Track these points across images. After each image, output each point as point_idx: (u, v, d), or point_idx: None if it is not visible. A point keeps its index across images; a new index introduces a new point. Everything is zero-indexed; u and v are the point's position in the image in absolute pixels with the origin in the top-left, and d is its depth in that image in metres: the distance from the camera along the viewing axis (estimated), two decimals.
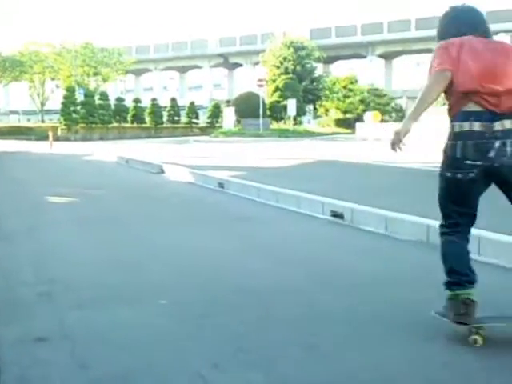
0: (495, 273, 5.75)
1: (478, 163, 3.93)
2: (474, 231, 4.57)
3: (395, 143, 4.13)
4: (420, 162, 16.18)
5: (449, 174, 4.07)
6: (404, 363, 3.61)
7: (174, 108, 68.66)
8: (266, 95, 63.09)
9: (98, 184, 14.25)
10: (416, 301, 4.84)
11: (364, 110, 61.37)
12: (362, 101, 69.74)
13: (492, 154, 3.90)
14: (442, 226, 4.42)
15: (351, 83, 71.55)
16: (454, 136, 3.99)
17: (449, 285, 4.19)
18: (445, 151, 4.07)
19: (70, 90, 57.05)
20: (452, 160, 4.03)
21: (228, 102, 69.90)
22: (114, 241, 7.49)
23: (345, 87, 71.20)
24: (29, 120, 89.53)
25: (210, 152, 26.40)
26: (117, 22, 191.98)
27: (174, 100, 70.10)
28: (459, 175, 4.02)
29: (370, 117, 48.16)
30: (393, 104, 76.67)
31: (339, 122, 67.21)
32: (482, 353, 3.75)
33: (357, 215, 8.32)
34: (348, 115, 68.04)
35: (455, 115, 4.02)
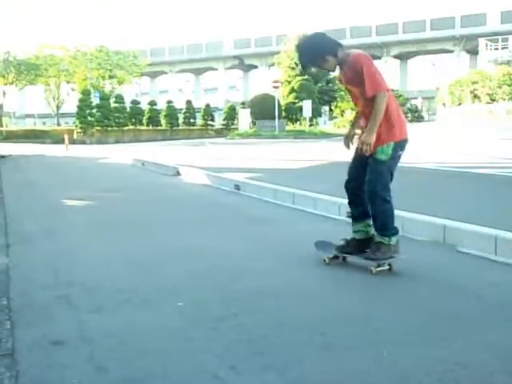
0: None
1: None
2: None
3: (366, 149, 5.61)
4: (434, 163, 16.17)
5: (400, 153, 5.77)
6: (419, 364, 3.60)
7: (190, 110, 68.87)
8: (282, 97, 63.11)
9: (114, 187, 14.29)
10: (431, 302, 4.84)
11: None
12: None
13: None
14: (388, 198, 5.77)
15: None
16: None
17: (391, 235, 5.77)
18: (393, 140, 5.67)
19: (86, 93, 57.30)
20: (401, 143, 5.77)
21: (243, 103, 69.91)
22: (131, 243, 7.51)
23: None
24: (44, 123, 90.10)
25: (226, 154, 26.43)
26: (131, 25, 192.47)
27: (189, 102, 70.31)
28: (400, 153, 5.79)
29: None
30: (408, 104, 76.65)
31: None
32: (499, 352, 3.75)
33: None
34: None
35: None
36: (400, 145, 5.75)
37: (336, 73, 5.81)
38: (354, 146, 6.11)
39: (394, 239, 5.78)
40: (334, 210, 9.10)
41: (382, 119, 5.52)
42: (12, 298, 5.08)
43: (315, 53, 5.64)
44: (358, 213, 6.11)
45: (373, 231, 5.97)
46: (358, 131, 6.09)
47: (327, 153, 23.98)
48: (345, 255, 6.14)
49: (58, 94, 78.30)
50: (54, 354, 3.84)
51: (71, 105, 67.94)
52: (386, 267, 5.77)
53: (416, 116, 75.70)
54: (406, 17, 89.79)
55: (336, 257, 6.16)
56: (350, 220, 8.59)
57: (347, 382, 3.43)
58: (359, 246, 6.06)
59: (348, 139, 6.32)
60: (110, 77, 75.03)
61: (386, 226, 5.79)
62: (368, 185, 5.76)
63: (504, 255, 6.17)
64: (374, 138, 5.52)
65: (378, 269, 5.73)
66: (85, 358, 3.77)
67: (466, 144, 28.91)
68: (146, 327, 4.35)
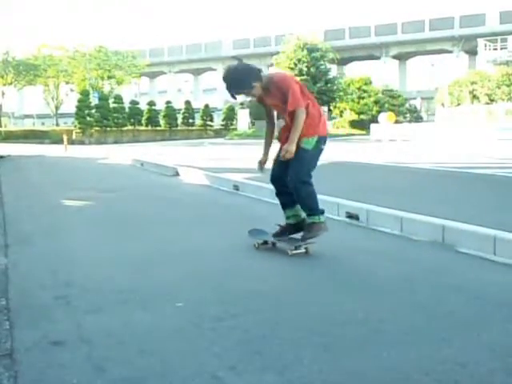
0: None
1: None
2: None
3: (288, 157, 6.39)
4: (433, 163, 16.17)
5: (322, 147, 6.60)
6: (419, 364, 3.60)
7: (189, 110, 68.82)
8: None
9: (113, 187, 14.28)
10: (430, 302, 4.84)
11: (378, 111, 61.36)
12: (376, 102, 69.78)
13: None
14: (310, 181, 6.52)
15: (365, 84, 71.57)
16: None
17: (320, 213, 6.57)
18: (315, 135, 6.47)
19: (85, 94, 57.30)
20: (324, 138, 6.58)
21: (242, 104, 69.85)
22: (130, 243, 7.50)
23: (359, 88, 71.22)
24: (43, 124, 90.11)
25: (225, 154, 26.44)
26: (131, 25, 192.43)
27: (188, 103, 70.26)
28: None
29: (385, 118, 48.05)
30: (407, 105, 76.64)
31: (354, 124, 67.25)
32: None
33: (372, 216, 8.31)
34: (362, 116, 68.09)
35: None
36: (323, 139, 6.60)
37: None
38: (265, 168, 7.16)
39: (322, 218, 6.60)
40: (332, 210, 9.09)
41: (308, 119, 6.32)
42: (11, 299, 5.07)
43: (244, 82, 6.31)
44: (287, 200, 6.81)
45: (303, 215, 6.71)
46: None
47: (325, 153, 23.94)
48: (275, 241, 6.84)
49: (57, 94, 78.24)
50: (52, 354, 3.84)
51: (70, 105, 67.98)
52: (303, 250, 6.57)
53: (415, 116, 75.72)
54: (404, 17, 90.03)
55: (265, 242, 6.95)
56: (348, 220, 8.66)
57: (347, 382, 3.42)
58: (294, 229, 6.81)
59: (261, 164, 7.14)
60: (109, 77, 75.00)
61: (313, 207, 6.56)
62: (292, 171, 6.47)
63: (503, 255, 6.17)
64: (294, 148, 6.32)
65: (294, 251, 6.52)
66: (84, 358, 3.77)
67: (465, 144, 28.95)
68: (144, 327, 4.34)
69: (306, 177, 6.48)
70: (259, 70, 6.41)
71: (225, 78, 6.34)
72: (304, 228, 6.65)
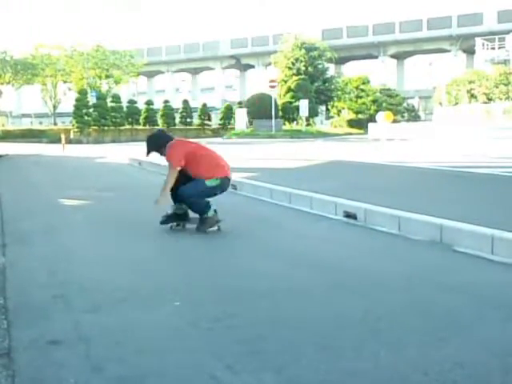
0: None
1: None
2: None
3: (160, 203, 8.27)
4: (428, 162, 16.18)
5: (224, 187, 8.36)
6: (417, 364, 3.60)
7: (187, 110, 68.66)
8: (278, 96, 62.97)
9: (111, 186, 14.27)
10: (428, 301, 4.84)
11: (376, 111, 61.12)
12: (374, 101, 69.66)
13: None
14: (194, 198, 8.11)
15: (363, 83, 71.45)
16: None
17: (207, 210, 8.05)
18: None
19: (82, 93, 57.12)
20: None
21: (240, 103, 69.73)
22: (128, 242, 7.50)
23: (357, 88, 71.09)
24: (41, 123, 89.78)
25: (223, 153, 26.38)
26: (128, 24, 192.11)
27: (186, 102, 70.10)
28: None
29: (383, 117, 47.99)
30: (405, 104, 76.56)
31: (352, 123, 67.17)
32: None
33: (370, 215, 8.31)
34: (360, 116, 68.00)
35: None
36: (225, 180, 8.39)
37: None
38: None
39: (210, 212, 8.07)
40: (329, 210, 9.09)
41: (202, 165, 8.32)
42: (9, 298, 5.07)
43: (156, 146, 8.66)
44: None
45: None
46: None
47: (323, 152, 23.98)
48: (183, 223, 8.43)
49: (55, 93, 78.03)
50: (50, 354, 3.84)
51: (68, 104, 67.72)
52: (216, 228, 8.06)
53: (413, 116, 75.74)
54: (402, 16, 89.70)
55: (178, 224, 8.45)
56: (345, 219, 8.65)
57: (344, 382, 3.42)
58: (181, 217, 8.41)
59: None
60: (107, 76, 74.84)
61: (200, 211, 8.09)
62: (185, 189, 8.19)
63: (501, 254, 6.17)
64: (164, 199, 8.39)
65: (210, 229, 7.99)
66: (81, 357, 3.76)
67: (462, 143, 28.94)
68: (142, 327, 4.34)
69: (194, 197, 8.03)
70: (170, 138, 8.66)
71: (146, 141, 8.70)
72: (198, 221, 8.16)
